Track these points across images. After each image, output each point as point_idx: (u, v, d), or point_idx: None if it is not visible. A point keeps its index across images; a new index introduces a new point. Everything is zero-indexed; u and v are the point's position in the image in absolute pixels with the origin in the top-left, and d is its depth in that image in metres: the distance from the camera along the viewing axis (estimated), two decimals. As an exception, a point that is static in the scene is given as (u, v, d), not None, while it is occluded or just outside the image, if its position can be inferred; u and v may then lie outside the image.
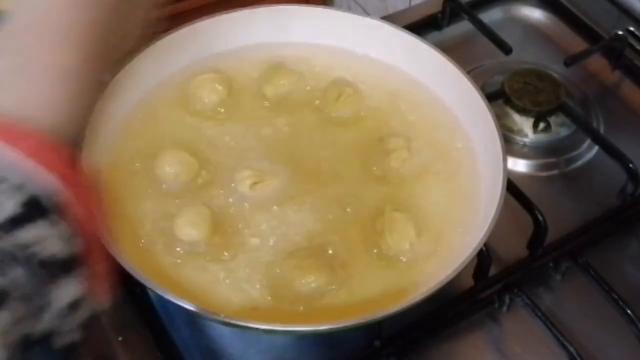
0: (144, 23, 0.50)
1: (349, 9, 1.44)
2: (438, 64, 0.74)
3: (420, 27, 0.89)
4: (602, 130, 0.83)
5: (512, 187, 0.70)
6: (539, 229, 0.69)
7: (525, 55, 0.90)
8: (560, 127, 0.83)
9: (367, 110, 0.74)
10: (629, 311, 0.66)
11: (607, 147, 0.78)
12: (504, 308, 0.68)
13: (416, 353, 0.64)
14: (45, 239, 0.33)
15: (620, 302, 0.66)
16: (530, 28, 0.96)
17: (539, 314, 0.65)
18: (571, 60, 0.86)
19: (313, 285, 0.61)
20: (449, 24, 0.92)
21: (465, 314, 0.68)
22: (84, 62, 0.40)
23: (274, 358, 0.66)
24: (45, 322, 0.32)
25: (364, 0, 1.41)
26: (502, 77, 0.85)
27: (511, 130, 0.82)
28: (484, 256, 0.66)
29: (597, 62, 0.90)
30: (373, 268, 0.63)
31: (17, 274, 0.32)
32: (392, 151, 0.70)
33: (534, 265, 0.70)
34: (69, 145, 0.36)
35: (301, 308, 0.60)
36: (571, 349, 0.63)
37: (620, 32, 0.89)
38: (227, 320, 0.56)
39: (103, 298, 0.38)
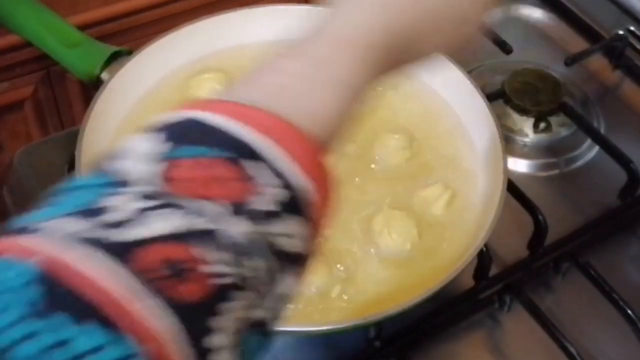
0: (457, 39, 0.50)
1: (348, 8, 1.44)
2: (438, 64, 0.74)
3: (420, 26, 0.89)
4: (602, 130, 0.83)
5: (513, 187, 0.70)
6: (539, 229, 0.69)
7: (526, 55, 0.90)
8: (560, 127, 0.82)
9: (366, 110, 0.74)
10: (629, 311, 0.65)
11: (608, 147, 0.78)
12: (505, 308, 0.68)
13: (416, 353, 0.64)
14: (291, 235, 0.33)
15: (621, 303, 0.66)
16: (530, 28, 0.95)
17: (539, 314, 0.65)
18: (571, 60, 0.86)
19: (313, 284, 0.61)
20: (448, 23, 0.92)
21: (465, 314, 0.68)
22: (367, 82, 0.41)
23: (274, 358, 0.66)
24: (265, 310, 0.32)
25: (363, 0, 1.41)
26: (502, 77, 0.85)
27: (511, 130, 0.82)
28: (484, 256, 0.65)
29: (598, 62, 0.90)
30: (373, 268, 0.63)
31: (258, 265, 0.31)
32: (393, 150, 0.70)
33: (534, 266, 0.70)
34: (325, 154, 0.37)
35: (301, 308, 0.60)
36: (571, 349, 0.63)
37: (620, 32, 0.89)
38: (227, 320, 0.55)
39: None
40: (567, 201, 0.78)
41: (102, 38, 0.80)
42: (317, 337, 0.65)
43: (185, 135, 0.33)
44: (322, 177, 0.35)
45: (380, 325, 0.61)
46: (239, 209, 0.31)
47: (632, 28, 0.91)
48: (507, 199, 0.63)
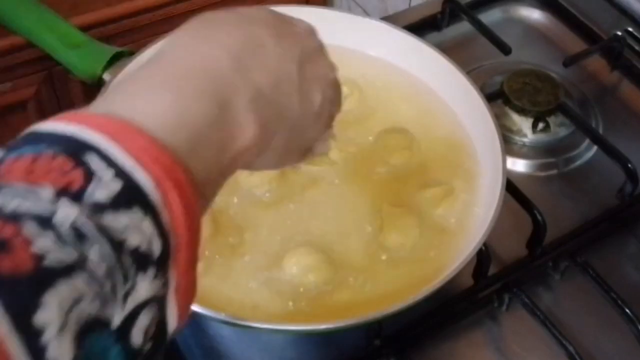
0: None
1: (349, 9, 1.44)
2: (438, 65, 0.74)
3: (419, 27, 0.89)
4: (600, 131, 0.83)
5: (512, 187, 0.70)
6: (538, 228, 0.69)
7: (525, 56, 0.90)
8: (559, 127, 0.83)
9: (366, 110, 0.74)
10: (627, 310, 0.66)
11: (606, 147, 0.78)
12: (504, 307, 0.69)
13: (416, 352, 0.65)
14: (141, 229, 0.31)
15: (619, 302, 0.66)
16: (529, 28, 0.96)
17: (538, 313, 0.66)
18: (570, 61, 0.86)
19: (314, 283, 0.61)
20: (448, 24, 0.93)
21: (464, 313, 0.68)
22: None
23: (274, 357, 0.66)
24: (117, 310, 0.30)
25: (364, 0, 1.41)
26: (501, 77, 0.85)
27: (510, 131, 0.82)
28: (483, 256, 0.66)
29: (596, 63, 0.90)
30: (374, 267, 0.63)
31: (103, 251, 0.30)
32: (393, 150, 0.70)
33: (533, 265, 0.70)
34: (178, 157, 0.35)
35: (302, 307, 0.60)
36: (570, 348, 0.63)
37: (619, 33, 0.89)
38: (228, 319, 0.56)
39: (181, 319, 0.35)
40: (566, 201, 0.78)
41: (104, 39, 0.80)
42: (318, 336, 0.65)
43: (21, 141, 0.33)
44: (168, 172, 0.33)
45: (381, 323, 0.62)
46: (69, 195, 0.30)
47: (630, 29, 0.91)
48: (506, 198, 0.64)
